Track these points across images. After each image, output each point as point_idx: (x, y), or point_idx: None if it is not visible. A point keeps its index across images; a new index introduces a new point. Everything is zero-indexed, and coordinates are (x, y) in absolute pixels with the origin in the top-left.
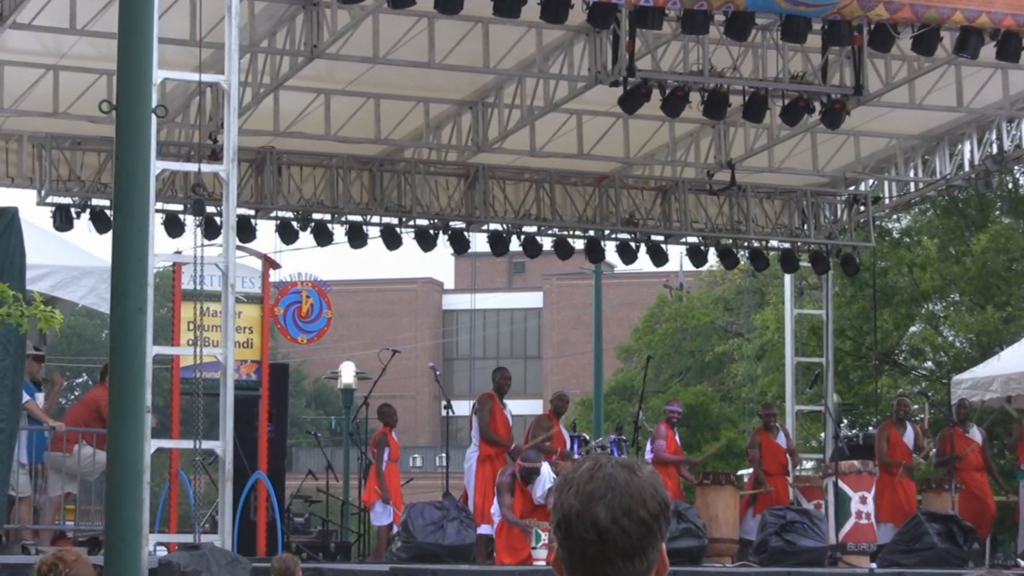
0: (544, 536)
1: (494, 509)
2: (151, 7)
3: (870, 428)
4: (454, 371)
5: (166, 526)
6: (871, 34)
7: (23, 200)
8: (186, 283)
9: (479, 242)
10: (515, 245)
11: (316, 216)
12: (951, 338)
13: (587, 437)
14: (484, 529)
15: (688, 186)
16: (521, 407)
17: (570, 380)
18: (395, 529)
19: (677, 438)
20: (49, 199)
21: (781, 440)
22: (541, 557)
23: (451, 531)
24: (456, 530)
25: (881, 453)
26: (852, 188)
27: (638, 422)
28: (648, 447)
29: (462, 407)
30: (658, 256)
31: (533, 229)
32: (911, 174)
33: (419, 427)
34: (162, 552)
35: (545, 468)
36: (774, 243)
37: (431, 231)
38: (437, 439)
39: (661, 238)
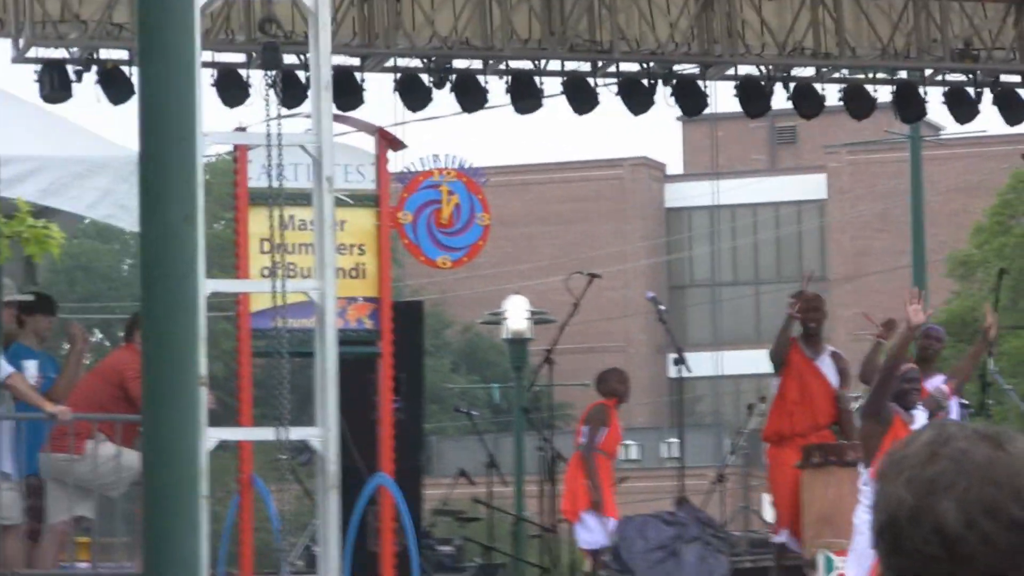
0: (839, 562)
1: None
2: None
3: None
4: (686, 304)
5: (236, 564)
6: None
7: None
8: (255, 178)
9: (722, 96)
10: (780, 100)
11: (459, 65)
12: None
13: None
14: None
15: None
16: None
17: (874, 312)
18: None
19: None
20: (32, 52)
21: None
22: None
23: (690, 559)
24: (699, 557)
25: None
26: None
27: (986, 374)
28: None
29: (702, 362)
30: (1012, 108)
31: (809, 72)
32: None
33: (633, 396)
34: None
35: None
36: None
37: (644, 81)
38: (662, 416)
39: (1016, 79)
